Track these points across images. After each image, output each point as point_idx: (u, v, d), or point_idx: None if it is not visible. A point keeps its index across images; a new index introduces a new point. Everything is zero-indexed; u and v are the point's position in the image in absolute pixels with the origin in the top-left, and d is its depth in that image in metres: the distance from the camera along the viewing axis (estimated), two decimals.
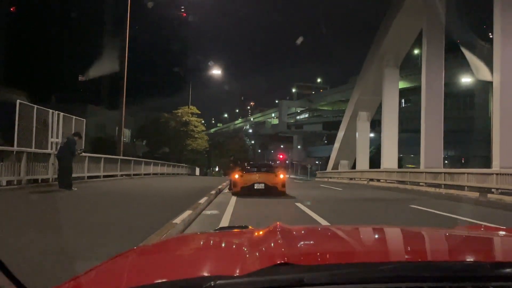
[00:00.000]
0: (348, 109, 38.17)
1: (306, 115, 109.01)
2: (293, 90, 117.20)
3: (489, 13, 17.27)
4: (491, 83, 18.49)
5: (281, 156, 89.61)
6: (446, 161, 40.98)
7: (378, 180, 25.79)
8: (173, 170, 33.00)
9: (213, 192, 12.22)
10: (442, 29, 22.96)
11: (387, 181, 24.17)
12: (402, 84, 41.64)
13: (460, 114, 53.37)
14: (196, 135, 41.72)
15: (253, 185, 12.78)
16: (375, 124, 41.83)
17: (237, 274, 0.89)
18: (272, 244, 1.28)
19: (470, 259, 1.18)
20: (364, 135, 35.11)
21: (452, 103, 50.25)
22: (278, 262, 0.91)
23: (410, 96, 58.67)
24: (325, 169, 43.64)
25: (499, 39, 16.39)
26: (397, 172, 24.25)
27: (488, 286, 0.88)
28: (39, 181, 11.93)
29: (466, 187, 15.67)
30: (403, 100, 58.45)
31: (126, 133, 43.14)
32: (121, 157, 20.00)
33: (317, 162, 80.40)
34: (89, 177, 15.31)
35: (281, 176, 13.34)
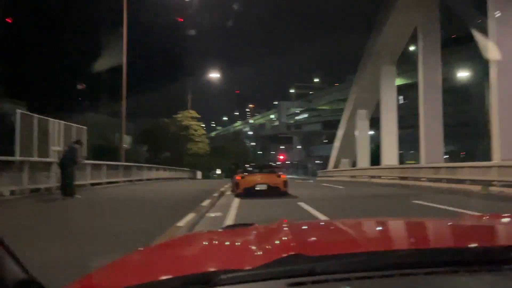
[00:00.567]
0: (346, 108, 38.20)
1: (305, 115, 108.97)
2: (292, 91, 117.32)
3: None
4: (487, 76, 18.48)
5: (281, 157, 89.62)
6: (446, 156, 40.98)
7: (380, 177, 25.79)
8: (175, 175, 33.02)
9: (215, 194, 12.25)
10: (437, 24, 23.02)
11: (389, 177, 24.18)
12: (400, 81, 41.69)
13: (459, 108, 53.32)
14: (196, 139, 41.75)
15: (255, 186, 12.81)
16: (375, 121, 41.81)
17: (248, 267, 0.89)
18: (281, 238, 1.31)
19: (481, 244, 1.17)
20: (364, 133, 35.13)
21: (451, 97, 50.19)
22: (289, 254, 0.92)
23: (409, 92, 58.66)
24: (326, 168, 43.64)
25: (494, 29, 16.38)
26: (398, 168, 24.28)
27: (501, 269, 0.89)
28: (42, 189, 11.97)
29: (467, 181, 15.69)
30: (401, 97, 58.43)
31: (127, 139, 43.11)
32: (123, 163, 20.05)
33: (317, 162, 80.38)
34: (92, 184, 15.36)
35: (283, 176, 13.38)
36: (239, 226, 1.81)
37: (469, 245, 1.15)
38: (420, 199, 11.36)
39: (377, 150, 34.23)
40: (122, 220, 6.74)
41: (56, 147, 13.01)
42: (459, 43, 40.08)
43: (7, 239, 0.91)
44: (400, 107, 32.80)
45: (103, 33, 54.25)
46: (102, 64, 44.64)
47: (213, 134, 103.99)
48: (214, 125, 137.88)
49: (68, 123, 14.06)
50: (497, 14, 16.02)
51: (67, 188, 10.60)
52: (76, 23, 53.39)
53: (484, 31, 17.72)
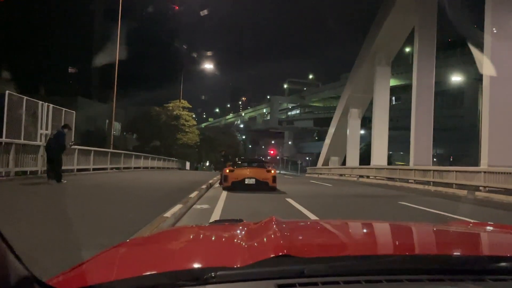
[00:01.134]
0: (339, 106, 38.36)
1: (298, 111, 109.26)
2: (285, 86, 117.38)
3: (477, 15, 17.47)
4: (481, 82, 18.70)
5: (272, 152, 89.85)
6: (435, 159, 41.47)
7: (368, 177, 25.99)
8: (164, 164, 32.88)
9: (204, 186, 12.21)
10: (434, 27, 23.16)
11: (377, 177, 24.38)
12: (393, 82, 41.96)
13: (450, 113, 53.95)
14: (187, 129, 41.58)
15: (244, 180, 12.79)
16: (366, 121, 42.13)
17: (238, 266, 0.89)
18: (270, 237, 1.28)
19: (467, 253, 1.20)
20: (354, 132, 35.35)
21: (442, 101, 50.75)
22: (279, 254, 0.91)
23: (401, 94, 59.13)
24: (316, 165, 43.87)
25: (489, 37, 16.58)
26: (386, 169, 24.48)
27: (485, 279, 0.90)
28: (28, 173, 11.81)
29: (454, 185, 15.89)
30: (393, 98, 58.90)
31: (117, 126, 42.79)
32: (111, 150, 19.88)
33: (307, 158, 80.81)
34: (78, 170, 15.20)
35: (272, 171, 13.38)
36: (227, 222, 1.78)
37: (455, 254, 1.17)
38: (406, 200, 11.45)
39: (367, 149, 34.50)
40: (108, 208, 6.67)
41: (44, 130, 12.83)
42: (452, 47, 40.41)
43: None
44: (392, 108, 33.06)
45: (96, 16, 53.65)
46: (94, 49, 44.15)
47: (203, 125, 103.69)
48: (205, 117, 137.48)
49: (57, 106, 13.86)
50: (494, 30, 16.23)
51: (53, 172, 10.47)
52: (69, 6, 52.58)
53: (477, 39, 17.90)
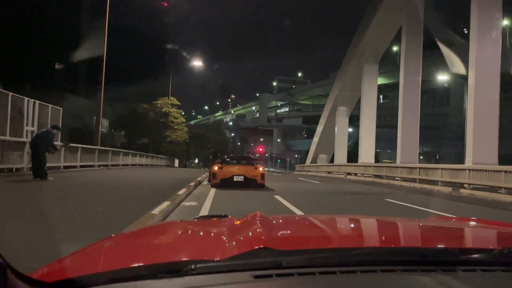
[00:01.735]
0: (327, 104, 38.53)
1: (287, 109, 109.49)
2: (274, 84, 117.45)
3: (466, 10, 17.69)
4: (466, 81, 18.98)
5: (260, 149, 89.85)
6: (421, 157, 41.95)
7: (356, 174, 26.20)
8: (152, 161, 32.70)
9: (192, 184, 12.20)
10: (421, 27, 23.40)
11: (364, 175, 24.60)
12: (380, 80, 42.26)
13: (436, 111, 54.60)
14: (175, 127, 41.38)
15: (232, 177, 12.81)
16: (354, 119, 42.40)
17: (218, 258, 0.91)
18: (252, 231, 1.32)
19: (439, 245, 1.24)
20: (342, 130, 35.56)
21: (428, 99, 51.34)
22: (258, 247, 0.94)
23: (388, 92, 59.66)
24: (304, 162, 44.05)
25: (475, 37, 16.82)
26: (374, 166, 24.72)
27: (455, 270, 0.94)
28: (14, 170, 11.66)
29: (440, 182, 16.13)
30: (381, 96, 59.39)
31: (104, 123, 42.42)
32: (99, 147, 19.70)
33: (296, 156, 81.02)
34: (65, 167, 15.03)
35: (260, 169, 13.42)
36: (213, 217, 1.81)
37: (427, 246, 1.21)
38: (392, 197, 11.60)
39: (355, 147, 34.75)
40: (95, 205, 6.63)
41: (30, 127, 12.67)
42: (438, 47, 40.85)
43: None
44: (379, 107, 33.31)
45: (83, 12, 52.98)
46: (81, 45, 43.60)
47: (192, 122, 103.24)
48: (194, 114, 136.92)
49: (44, 103, 13.70)
50: (479, 31, 16.52)
51: (38, 170, 10.36)
52: (55, 1, 51.82)
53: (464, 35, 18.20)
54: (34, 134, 11.36)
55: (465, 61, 22.11)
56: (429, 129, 44.19)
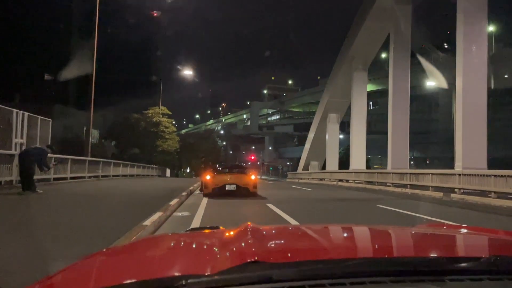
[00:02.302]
0: (318, 111, 38.74)
1: (278, 117, 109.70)
2: (265, 92, 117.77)
3: (447, 23, 18.03)
4: (454, 87, 19.21)
5: (252, 157, 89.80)
6: (412, 162, 42.28)
7: (347, 181, 26.29)
8: (143, 172, 32.49)
9: (184, 193, 12.14)
10: (408, 34, 23.72)
11: (356, 181, 24.68)
12: (370, 87, 42.67)
13: (426, 116, 55.12)
14: (166, 136, 41.21)
15: (224, 186, 12.78)
16: (345, 126, 42.65)
17: (208, 273, 0.91)
18: (243, 243, 1.32)
19: (428, 254, 1.25)
20: (333, 137, 35.72)
21: (418, 105, 51.85)
22: (248, 260, 0.94)
23: (378, 99, 60.15)
24: (296, 170, 44.10)
25: (461, 44, 17.07)
26: (365, 173, 24.82)
27: (444, 279, 0.95)
28: (2, 183, 11.50)
29: (430, 187, 16.24)
30: (371, 103, 59.86)
31: (95, 134, 42.12)
32: (89, 158, 19.53)
33: (288, 163, 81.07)
34: (55, 179, 14.86)
35: (253, 177, 13.40)
36: (204, 229, 1.80)
37: (416, 255, 1.23)
38: (384, 203, 11.66)
39: (346, 153, 34.90)
40: (85, 217, 6.57)
41: (19, 139, 12.53)
42: (428, 53, 41.45)
43: None
44: (369, 113, 33.56)
45: (73, 23, 52.79)
46: (71, 55, 43.38)
47: (183, 131, 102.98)
48: (186, 123, 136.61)
49: (33, 115, 13.56)
50: (465, 38, 16.81)
51: (26, 182, 10.26)
52: (45, 11, 51.62)
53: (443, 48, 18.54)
54: (24, 149, 11.28)
55: (445, 73, 22.62)
56: (419, 134, 44.56)
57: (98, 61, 20.67)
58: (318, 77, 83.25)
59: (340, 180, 27.42)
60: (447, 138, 34.91)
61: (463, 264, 1.00)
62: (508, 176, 12.27)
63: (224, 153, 77.81)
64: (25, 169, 10.37)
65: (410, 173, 18.59)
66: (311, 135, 39.61)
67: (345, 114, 36.15)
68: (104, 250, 1.53)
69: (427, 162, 55.63)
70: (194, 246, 1.47)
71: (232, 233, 1.56)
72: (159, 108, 40.65)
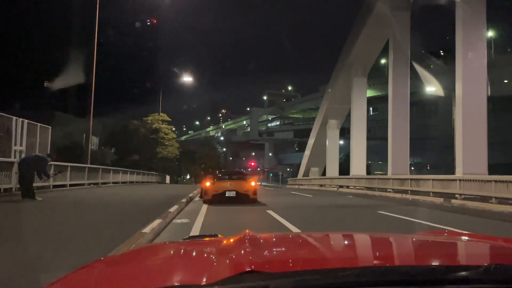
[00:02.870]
0: (318, 117, 38.79)
1: (278, 123, 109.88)
2: (265, 98, 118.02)
3: (446, 29, 18.11)
4: (454, 93, 19.23)
5: (252, 164, 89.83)
6: (412, 168, 42.23)
7: (348, 187, 26.24)
8: (143, 178, 32.46)
9: (183, 200, 12.11)
10: (407, 40, 23.80)
11: (356, 187, 24.64)
12: (370, 93, 42.75)
13: (426, 122, 55.18)
14: (166, 143, 41.22)
15: (224, 193, 12.74)
16: (345, 132, 42.66)
17: (204, 283, 0.90)
18: (240, 252, 1.30)
19: (428, 263, 1.23)
20: (333, 143, 35.73)
21: (418, 111, 51.95)
22: (245, 270, 0.93)
23: (378, 105, 60.25)
24: (296, 176, 44.05)
25: (460, 51, 17.12)
26: (365, 178, 24.78)
27: None
28: (2, 190, 11.48)
29: (431, 193, 16.20)
30: (371, 108, 59.98)
31: (94, 141, 42.09)
32: (89, 165, 19.51)
33: (288, 169, 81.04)
34: (54, 186, 14.85)
35: (253, 183, 13.37)
36: (202, 237, 1.79)
37: (415, 264, 1.22)
38: (385, 209, 11.62)
39: (346, 159, 34.88)
40: (85, 225, 6.54)
41: (19, 147, 12.53)
42: (427, 58, 41.62)
43: None
44: (369, 119, 33.60)
45: (73, 30, 53.00)
46: (71, 62, 43.52)
47: (183, 138, 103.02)
48: (185, 129, 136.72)
49: (32, 122, 13.58)
50: (465, 44, 16.88)
51: (26, 190, 10.26)
52: (45, 21, 51.91)
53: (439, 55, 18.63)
54: (23, 157, 11.30)
55: (442, 80, 22.71)
56: (419, 140, 44.59)
57: (98, 69, 20.73)
58: (318, 87, 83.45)
59: (341, 186, 27.37)
60: (447, 143, 34.90)
61: (463, 273, 0.98)
62: (509, 181, 12.24)
63: (224, 160, 77.80)
64: (25, 176, 10.38)
65: (411, 179, 18.56)
66: (311, 141, 39.62)
67: (345, 120, 36.18)
68: (102, 258, 1.52)
69: (428, 167, 55.56)
70: (191, 255, 1.46)
71: (230, 241, 1.55)
72: (159, 114, 40.70)
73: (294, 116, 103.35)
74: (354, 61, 30.05)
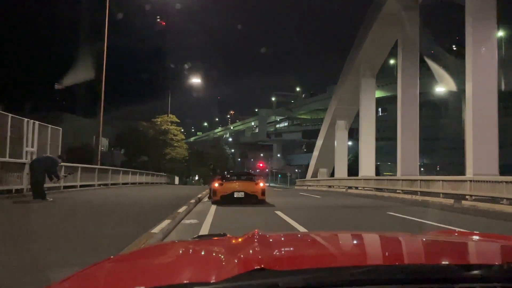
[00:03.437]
0: (326, 118, 38.65)
1: (286, 124, 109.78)
2: (273, 99, 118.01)
3: (458, 26, 17.93)
4: (463, 93, 19.05)
5: (261, 165, 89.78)
6: (422, 169, 41.88)
7: (356, 188, 26.10)
8: (152, 179, 32.63)
9: (192, 201, 12.14)
10: (416, 40, 23.63)
11: (365, 188, 24.49)
12: (378, 93, 42.49)
13: (436, 122, 54.73)
14: (175, 144, 41.39)
15: (232, 193, 12.76)
16: (353, 132, 42.48)
17: (214, 281, 0.91)
18: (250, 251, 1.31)
19: (438, 262, 1.22)
20: (342, 143, 35.57)
21: (427, 111, 51.52)
22: (254, 268, 0.93)
23: (387, 105, 59.87)
24: (305, 177, 43.94)
25: (471, 49, 16.94)
26: (374, 179, 24.63)
27: (454, 287, 0.92)
28: (13, 191, 11.62)
29: (441, 194, 16.04)
30: (380, 109, 59.62)
31: (104, 142, 42.47)
32: (99, 166, 19.67)
33: (296, 170, 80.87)
34: (65, 187, 15.00)
35: (261, 184, 13.37)
36: (211, 237, 1.80)
37: (426, 263, 1.20)
38: (394, 210, 11.54)
39: (355, 160, 34.71)
40: (95, 225, 6.60)
41: (30, 148, 12.68)
42: (437, 58, 41.27)
43: None
44: (378, 120, 33.38)
45: (83, 32, 53.50)
46: (81, 64, 43.95)
47: (192, 139, 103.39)
48: (194, 131, 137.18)
49: (43, 124, 13.74)
50: (475, 44, 16.67)
51: (38, 191, 10.37)
52: (55, 23, 52.47)
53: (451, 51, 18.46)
54: (34, 158, 11.42)
55: (454, 76, 22.40)
56: (429, 140, 44.25)
57: (108, 70, 20.91)
58: (326, 88, 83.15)
59: (349, 187, 27.23)
60: (457, 144, 34.57)
61: (475, 272, 0.97)
62: None
63: (233, 161, 77.85)
64: (36, 177, 10.50)
65: (420, 180, 18.40)
66: (319, 142, 39.48)
67: (354, 121, 36.00)
68: (111, 257, 1.53)
69: (438, 168, 55.08)
70: (200, 253, 1.46)
71: (239, 240, 1.55)
72: (168, 116, 40.89)
73: (302, 117, 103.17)
74: (362, 62, 29.89)
